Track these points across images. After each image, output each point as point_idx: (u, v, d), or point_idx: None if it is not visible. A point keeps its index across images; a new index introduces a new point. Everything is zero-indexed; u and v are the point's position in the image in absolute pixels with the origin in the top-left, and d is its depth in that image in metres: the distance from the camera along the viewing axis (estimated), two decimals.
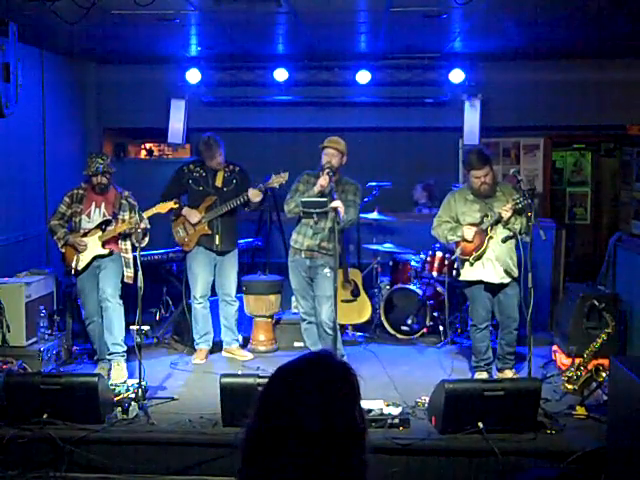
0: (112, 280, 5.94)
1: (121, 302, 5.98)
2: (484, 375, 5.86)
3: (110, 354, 5.95)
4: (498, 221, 5.66)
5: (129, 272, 5.96)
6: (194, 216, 6.41)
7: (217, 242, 6.44)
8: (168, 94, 8.14)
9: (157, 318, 7.52)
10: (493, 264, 5.74)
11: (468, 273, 5.85)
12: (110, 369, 5.95)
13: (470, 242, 5.74)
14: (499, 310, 5.87)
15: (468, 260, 5.79)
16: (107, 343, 5.95)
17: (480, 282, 5.82)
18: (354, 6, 5.80)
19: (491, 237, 5.71)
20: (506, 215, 5.57)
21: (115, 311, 5.93)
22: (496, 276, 5.76)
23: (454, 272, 6.77)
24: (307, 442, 1.49)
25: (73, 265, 5.93)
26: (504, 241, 5.67)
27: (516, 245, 5.71)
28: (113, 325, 5.92)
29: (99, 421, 4.88)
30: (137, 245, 5.53)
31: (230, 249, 6.54)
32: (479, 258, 5.75)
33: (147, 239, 5.76)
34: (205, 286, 6.52)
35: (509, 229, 5.64)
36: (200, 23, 6.36)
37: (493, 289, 5.83)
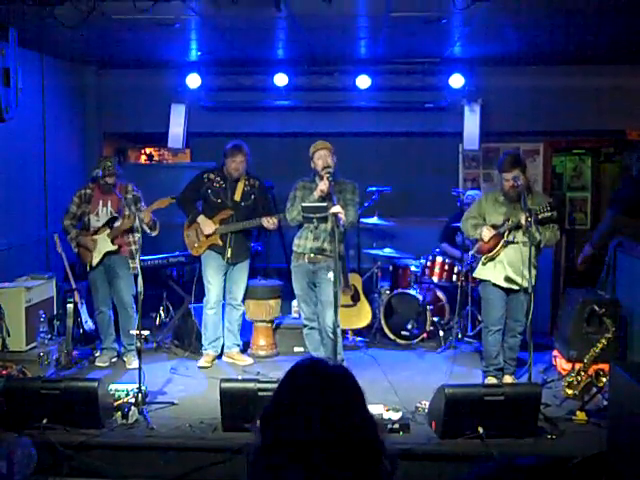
0: (129, 288, 6.43)
1: (135, 307, 6.36)
2: (493, 380, 5.84)
3: (126, 350, 6.52)
4: (518, 227, 5.69)
5: (133, 264, 6.37)
6: (208, 227, 6.43)
7: (228, 255, 6.46)
8: (168, 99, 8.14)
9: (157, 323, 7.53)
10: (504, 268, 5.76)
11: (480, 271, 5.94)
12: (112, 357, 6.59)
13: (486, 243, 5.82)
14: (507, 312, 5.87)
15: (481, 259, 5.89)
16: (124, 342, 6.53)
17: (491, 283, 5.85)
18: (354, 11, 5.80)
19: (507, 241, 5.74)
20: (524, 222, 5.53)
21: (131, 317, 6.45)
22: (504, 281, 5.78)
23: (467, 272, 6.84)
24: (318, 452, 1.45)
25: (88, 262, 6.40)
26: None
27: (537, 256, 5.70)
28: (129, 328, 6.40)
29: (99, 426, 4.88)
30: (150, 234, 6.06)
31: (241, 260, 6.56)
32: (492, 259, 5.82)
33: (156, 231, 6.34)
34: (219, 293, 6.54)
35: (529, 238, 5.60)
36: (200, 28, 6.36)
37: (506, 292, 5.84)
